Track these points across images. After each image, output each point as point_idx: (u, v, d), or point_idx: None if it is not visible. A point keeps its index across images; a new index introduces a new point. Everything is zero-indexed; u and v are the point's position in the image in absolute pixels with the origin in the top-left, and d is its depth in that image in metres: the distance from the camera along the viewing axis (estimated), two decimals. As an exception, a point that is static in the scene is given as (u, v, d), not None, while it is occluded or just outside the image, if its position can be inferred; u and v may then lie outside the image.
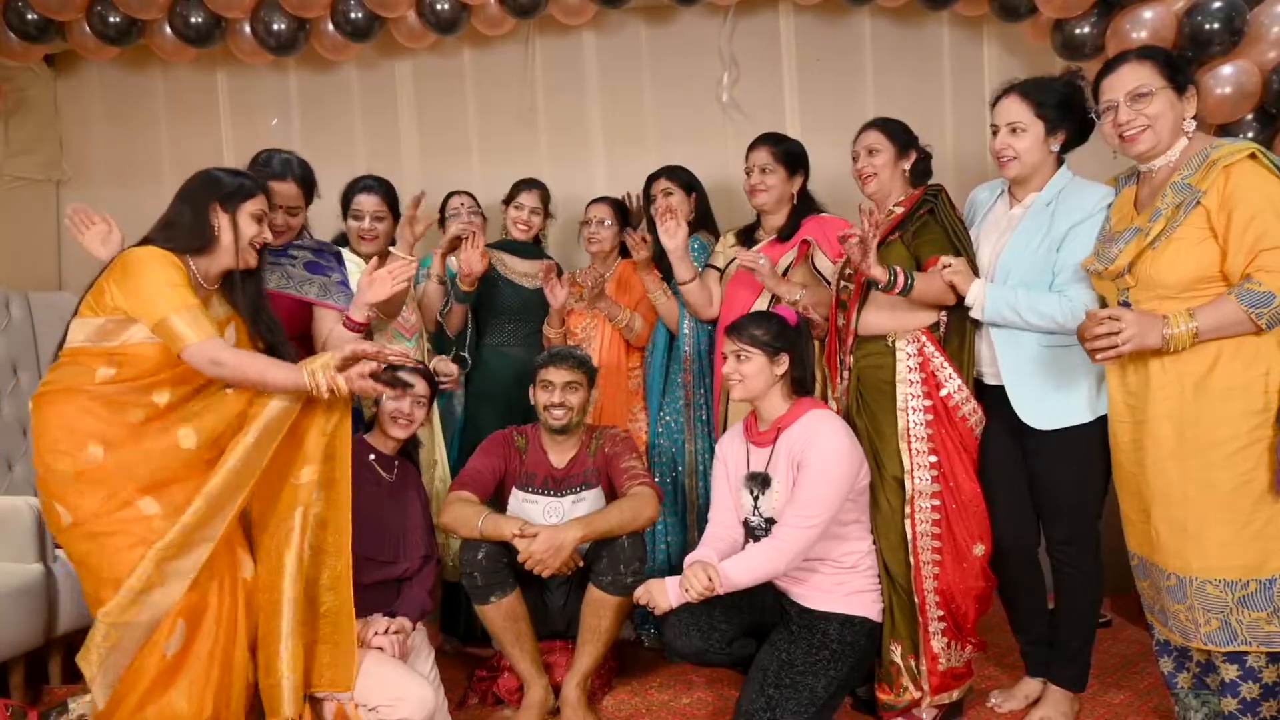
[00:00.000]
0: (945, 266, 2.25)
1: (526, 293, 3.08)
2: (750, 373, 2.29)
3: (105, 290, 1.91)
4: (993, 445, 2.33)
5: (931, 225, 2.35)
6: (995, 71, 3.44)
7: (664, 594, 2.16)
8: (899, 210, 2.43)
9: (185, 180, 2.03)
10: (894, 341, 2.35)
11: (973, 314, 2.23)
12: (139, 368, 1.89)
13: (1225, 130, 2.86)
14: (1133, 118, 2.01)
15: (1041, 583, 2.41)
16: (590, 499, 2.60)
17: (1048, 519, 2.32)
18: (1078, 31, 3.00)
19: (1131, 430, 2.03)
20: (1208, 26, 2.75)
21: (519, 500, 2.62)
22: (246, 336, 2.05)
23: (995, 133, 2.27)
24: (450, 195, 3.23)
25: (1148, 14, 2.83)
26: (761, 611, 2.34)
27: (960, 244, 2.32)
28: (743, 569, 2.16)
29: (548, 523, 2.50)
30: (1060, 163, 2.28)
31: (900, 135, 2.48)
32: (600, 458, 2.64)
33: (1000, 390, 2.27)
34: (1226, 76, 2.80)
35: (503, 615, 2.43)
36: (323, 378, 1.91)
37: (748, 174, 2.81)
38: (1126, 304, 2.02)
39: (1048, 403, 2.21)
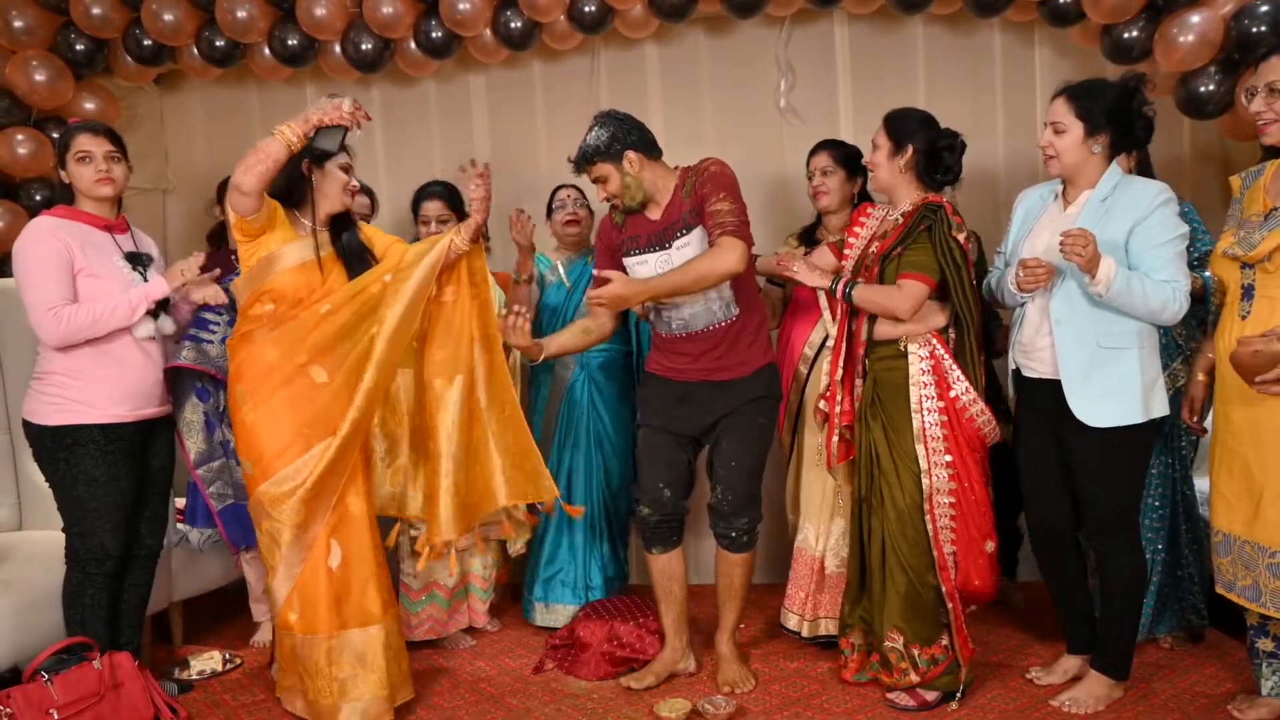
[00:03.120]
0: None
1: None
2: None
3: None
4: (1030, 434, 2.45)
5: (923, 242, 2.42)
6: (1046, 75, 3.54)
7: None
8: (901, 221, 2.49)
9: None
10: (906, 345, 2.46)
11: (1096, 289, 2.21)
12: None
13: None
14: (1264, 109, 2.10)
15: (1080, 563, 2.53)
16: (695, 241, 2.52)
17: (1086, 512, 2.42)
18: (1126, 36, 3.08)
19: (1246, 410, 2.12)
20: (1255, 30, 2.83)
21: (632, 266, 2.61)
22: (343, 267, 2.51)
23: None
24: (559, 188, 3.35)
25: (1195, 18, 2.91)
26: None
27: (950, 266, 2.38)
28: None
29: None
30: (1110, 161, 2.34)
31: (889, 138, 2.49)
32: (695, 197, 2.50)
33: (1041, 383, 2.38)
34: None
35: (658, 568, 2.69)
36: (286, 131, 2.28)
37: (810, 178, 2.96)
38: (1250, 289, 2.12)
39: (1104, 402, 2.29)
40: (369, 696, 2.40)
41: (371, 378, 2.39)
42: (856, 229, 2.65)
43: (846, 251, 2.65)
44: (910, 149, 2.47)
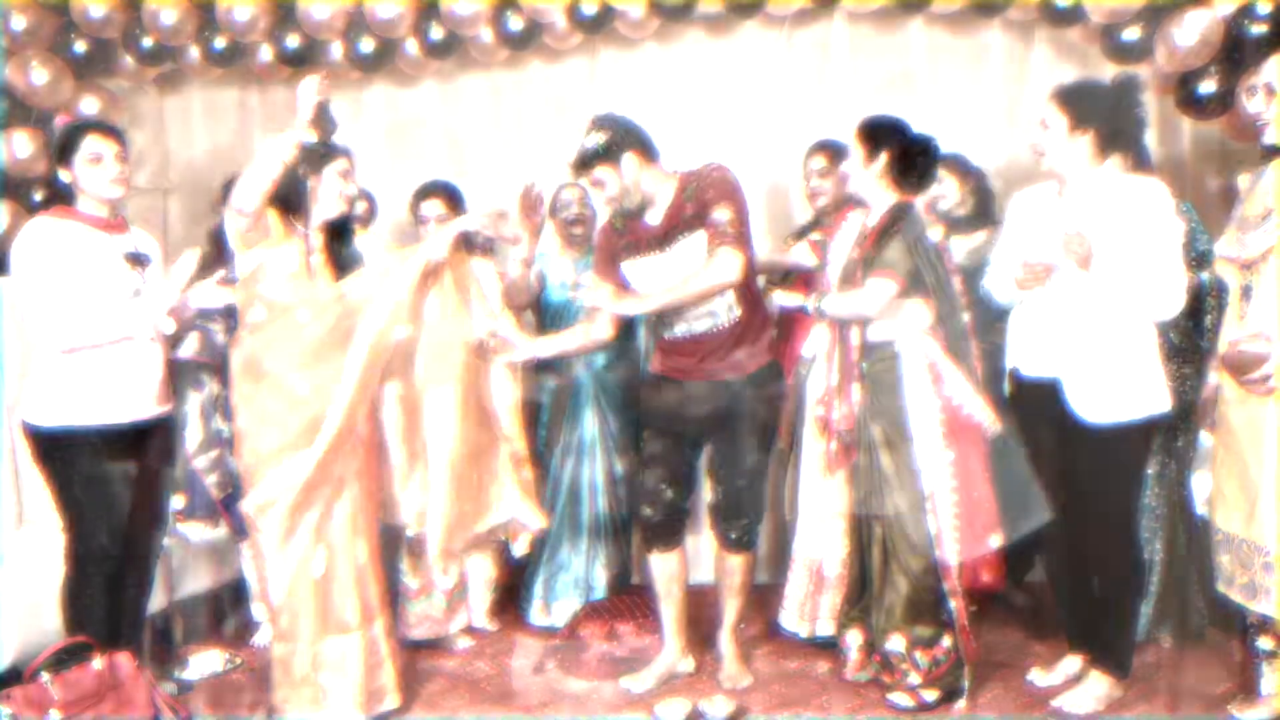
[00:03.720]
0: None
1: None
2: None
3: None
4: (1029, 435, 2.44)
5: (896, 242, 2.43)
6: (1046, 75, 3.52)
7: None
8: (876, 225, 2.50)
9: None
10: (899, 345, 2.47)
11: (1093, 287, 2.24)
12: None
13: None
14: (1263, 109, 2.12)
15: (1083, 563, 2.51)
16: (696, 245, 2.50)
17: (1085, 510, 2.41)
18: (1126, 36, 3.08)
19: (1244, 410, 2.14)
20: (1255, 30, 2.83)
21: (631, 270, 2.60)
22: (334, 275, 2.48)
23: None
24: (562, 187, 3.32)
25: (1195, 18, 2.91)
26: None
27: (925, 264, 2.41)
28: None
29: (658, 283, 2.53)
30: (1103, 160, 2.35)
31: (866, 141, 2.51)
32: (697, 202, 2.49)
33: (1038, 383, 2.39)
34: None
35: (659, 568, 2.69)
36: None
37: (806, 179, 2.97)
38: (1248, 289, 2.13)
39: (1103, 399, 2.30)
40: (343, 705, 2.41)
41: (350, 388, 2.35)
42: (838, 234, 2.66)
43: (829, 258, 2.66)
44: (884, 155, 2.48)
